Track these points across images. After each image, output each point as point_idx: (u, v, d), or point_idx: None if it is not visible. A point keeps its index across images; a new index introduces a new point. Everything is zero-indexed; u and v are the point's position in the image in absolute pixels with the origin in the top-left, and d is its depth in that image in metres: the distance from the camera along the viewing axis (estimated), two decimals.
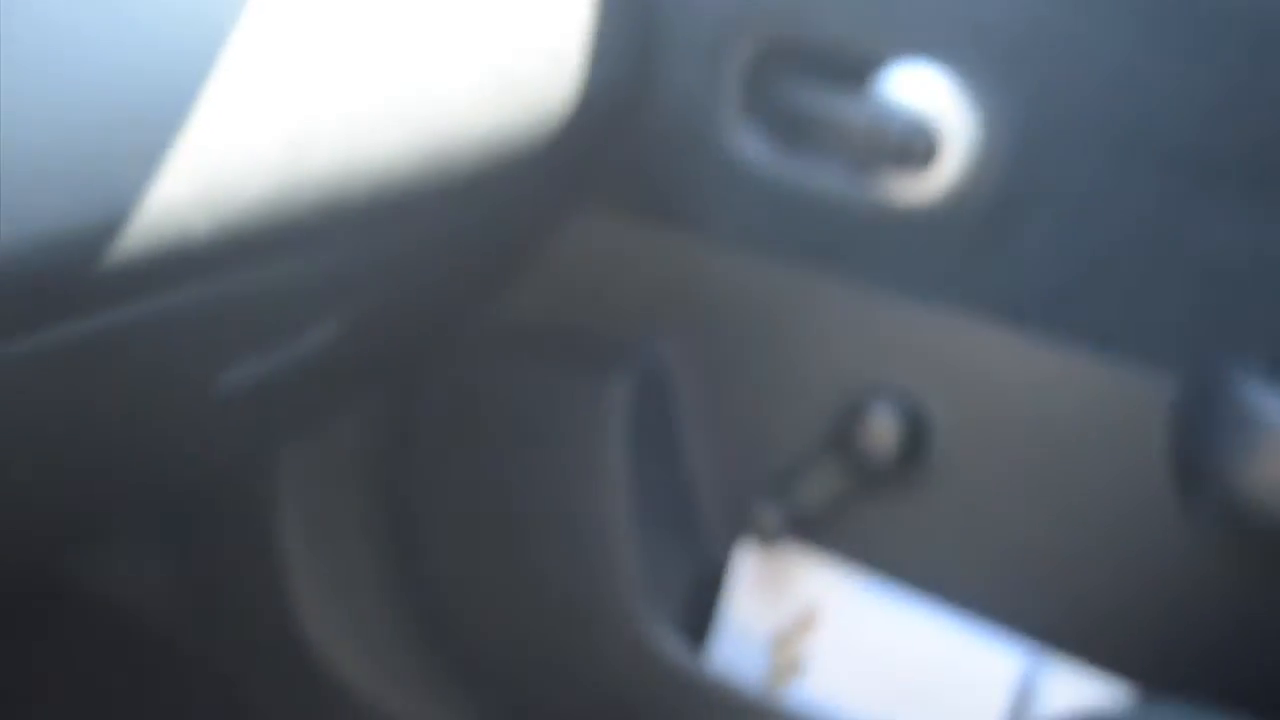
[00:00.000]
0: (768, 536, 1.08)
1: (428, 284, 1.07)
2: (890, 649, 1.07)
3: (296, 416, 1.19)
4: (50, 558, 1.31)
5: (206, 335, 0.85)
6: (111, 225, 0.68)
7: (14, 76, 0.64)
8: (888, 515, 1.07)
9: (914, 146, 0.96)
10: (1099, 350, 0.97)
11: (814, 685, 1.10)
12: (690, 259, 1.08)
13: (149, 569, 1.38)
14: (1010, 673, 1.04)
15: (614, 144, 1.03)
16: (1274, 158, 0.90)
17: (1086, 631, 1.02)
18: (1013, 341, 0.99)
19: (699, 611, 1.14)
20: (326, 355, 0.98)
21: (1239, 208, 0.91)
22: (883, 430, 1.03)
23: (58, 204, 0.66)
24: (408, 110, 0.84)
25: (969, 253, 0.99)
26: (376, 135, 0.82)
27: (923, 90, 0.97)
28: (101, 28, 0.68)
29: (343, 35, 0.80)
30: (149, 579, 1.38)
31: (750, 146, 1.03)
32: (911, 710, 1.07)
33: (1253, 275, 0.92)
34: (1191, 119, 0.91)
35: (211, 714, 1.35)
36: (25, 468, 0.82)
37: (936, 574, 1.07)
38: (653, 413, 1.11)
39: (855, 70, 0.99)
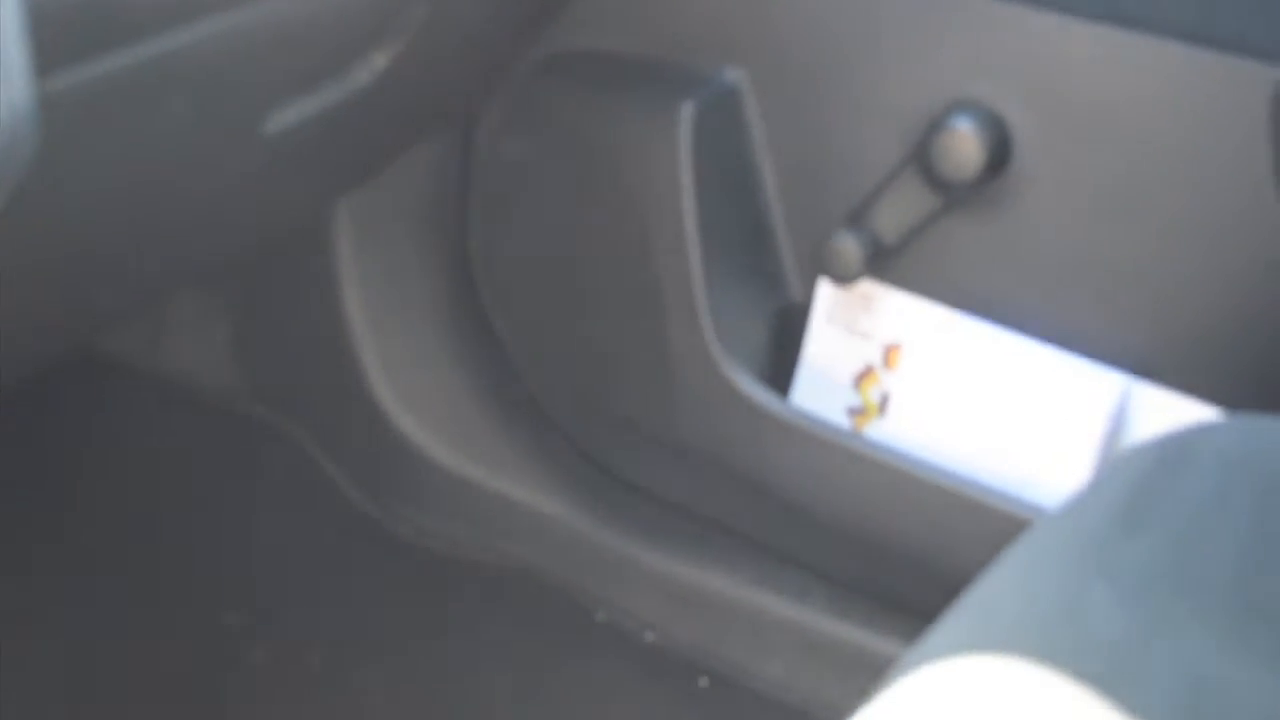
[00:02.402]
0: (847, 272, 1.08)
1: (477, 8, 1.06)
2: (979, 383, 1.08)
3: (352, 161, 1.19)
4: (113, 323, 1.33)
5: (250, 68, 0.85)
6: None
7: None
8: (971, 241, 1.07)
9: None
10: (1194, 43, 0.96)
11: (901, 423, 1.11)
12: None
13: (211, 339, 1.40)
14: (1105, 399, 1.04)
15: None
16: None
17: (1181, 357, 1.03)
18: (1097, 38, 0.98)
19: (781, 351, 1.15)
20: (378, 91, 0.98)
21: None
22: (964, 144, 1.02)
23: None
24: None
25: None
26: None
27: None
28: None
29: None
30: (212, 350, 1.41)
31: None
32: (1004, 444, 1.07)
33: None
34: None
35: (285, 481, 1.38)
36: (78, 218, 0.83)
37: (1021, 301, 1.07)
38: (726, 144, 1.11)
39: None
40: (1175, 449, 0.79)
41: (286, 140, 0.94)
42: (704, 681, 1.23)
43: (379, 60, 0.97)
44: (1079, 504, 0.77)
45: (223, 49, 0.79)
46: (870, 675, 0.68)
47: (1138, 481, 0.77)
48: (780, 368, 1.15)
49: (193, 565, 1.34)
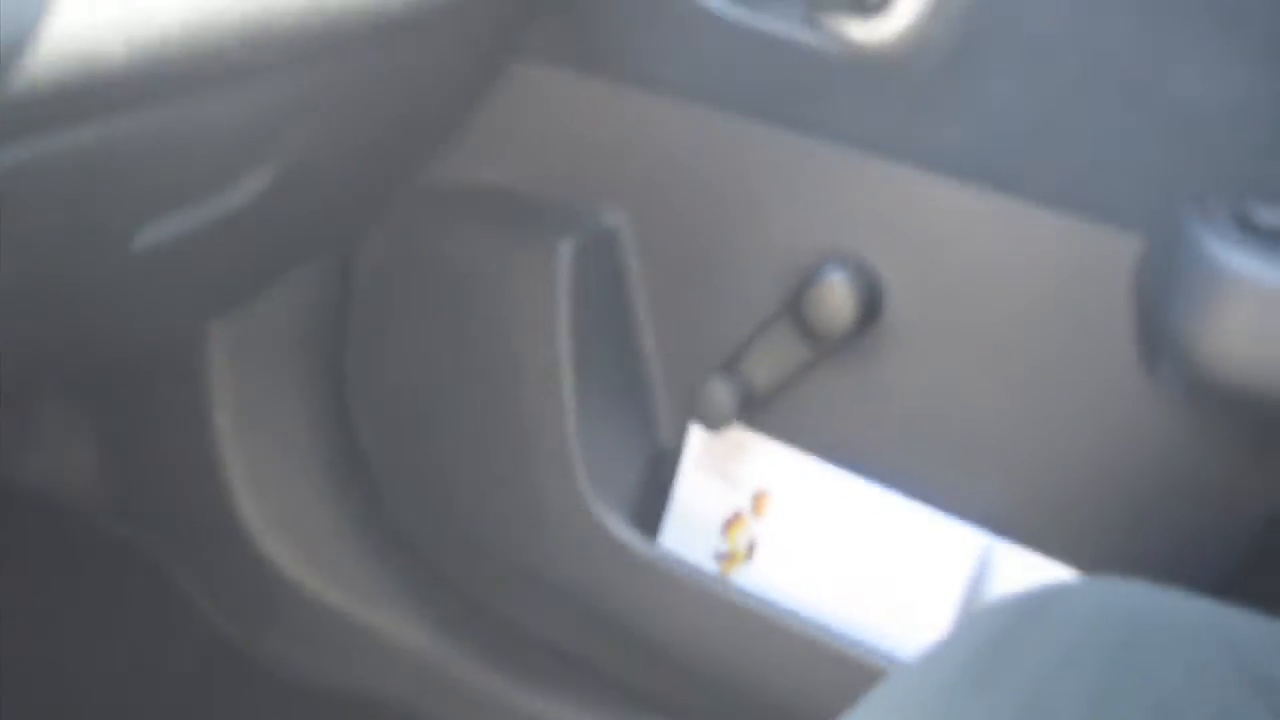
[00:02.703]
0: (718, 418, 1.08)
1: (360, 134, 1.06)
2: (844, 533, 1.08)
3: (225, 281, 1.18)
4: None
5: (125, 179, 0.84)
6: (17, 48, 0.67)
7: None
8: (841, 392, 1.07)
9: None
10: (1061, 210, 0.97)
11: (767, 569, 1.11)
12: (635, 116, 1.08)
13: (76, 455, 1.38)
14: (965, 556, 1.05)
15: None
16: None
17: (1039, 514, 1.03)
18: (970, 201, 0.99)
19: (651, 495, 1.15)
20: (255, 212, 0.97)
21: (1209, 51, 0.91)
22: (835, 297, 1.02)
23: None
24: None
25: (925, 104, 0.99)
26: None
27: None
28: None
29: None
30: (76, 466, 1.38)
31: None
32: (866, 594, 1.07)
33: (1221, 122, 0.92)
34: None
35: (146, 602, 1.36)
36: None
37: (889, 454, 1.07)
38: (603, 284, 1.12)
39: None
40: (1030, 608, 0.79)
41: (157, 257, 0.93)
42: None
43: (257, 181, 0.96)
44: (932, 658, 0.77)
45: (97, 159, 0.78)
46: None
47: (990, 639, 0.76)
48: (650, 510, 1.15)
49: (38, 688, 1.31)
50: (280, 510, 1.30)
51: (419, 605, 1.28)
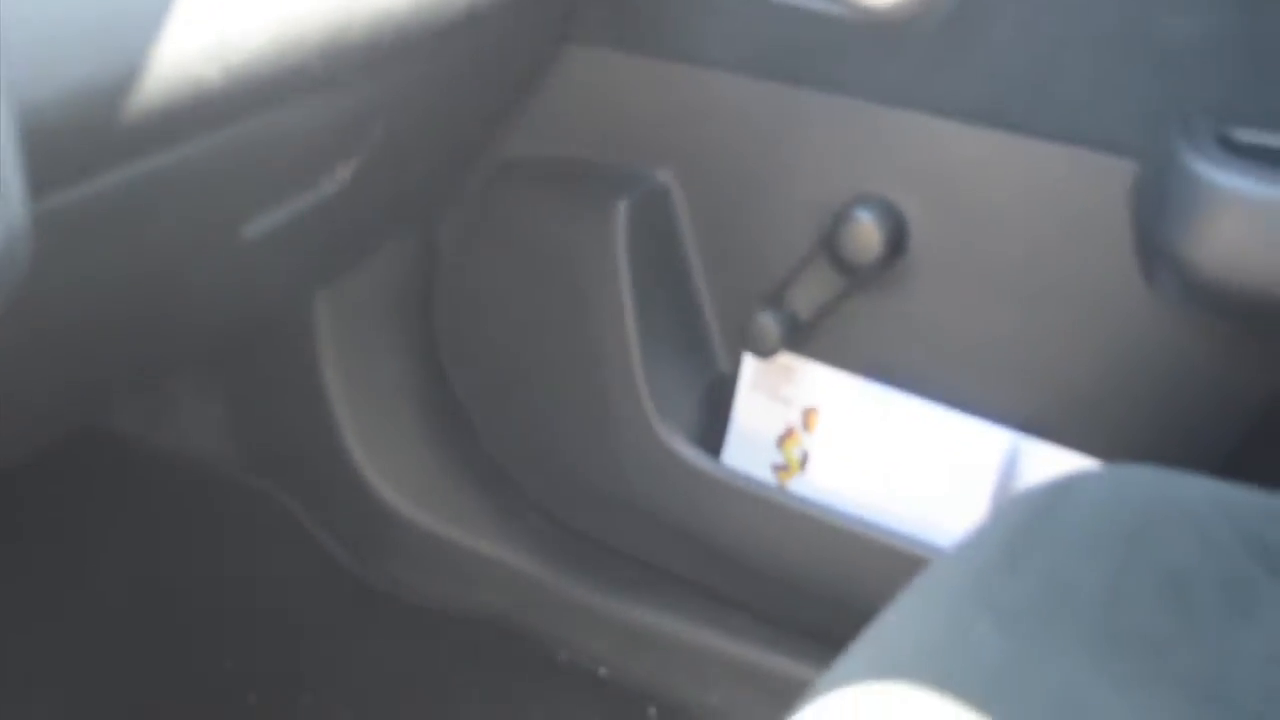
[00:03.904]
0: (768, 346, 1.09)
1: (435, 122, 1.06)
2: (886, 440, 1.08)
3: (326, 257, 1.19)
4: (103, 408, 1.32)
5: (231, 182, 0.85)
6: (129, 80, 0.68)
7: None
8: (875, 317, 1.07)
9: None
10: (1061, 142, 0.96)
11: (819, 477, 1.11)
12: (679, 87, 1.07)
13: (209, 419, 1.39)
14: (995, 453, 1.05)
15: None
16: None
17: (1058, 413, 1.03)
18: (980, 140, 0.99)
19: (712, 416, 1.15)
20: (347, 198, 0.97)
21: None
22: (865, 233, 1.03)
23: (77, 62, 0.65)
24: None
25: (938, 55, 0.98)
26: None
27: None
28: None
29: None
30: (210, 428, 1.39)
31: None
32: (908, 492, 1.08)
33: (1201, 57, 0.91)
34: None
35: (277, 543, 1.37)
36: (74, 319, 0.82)
37: (921, 369, 1.07)
38: (658, 236, 1.12)
39: None
40: (1054, 496, 0.80)
41: (264, 243, 0.93)
42: (652, 712, 1.23)
43: (343, 173, 0.96)
44: (970, 546, 0.77)
45: (203, 167, 0.78)
46: (796, 700, 0.68)
47: (1021, 525, 0.77)
48: (712, 431, 1.15)
49: (193, 617, 1.33)
50: (386, 453, 1.31)
51: (513, 530, 1.29)
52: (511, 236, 1.16)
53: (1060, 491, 0.79)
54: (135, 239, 0.80)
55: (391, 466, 1.32)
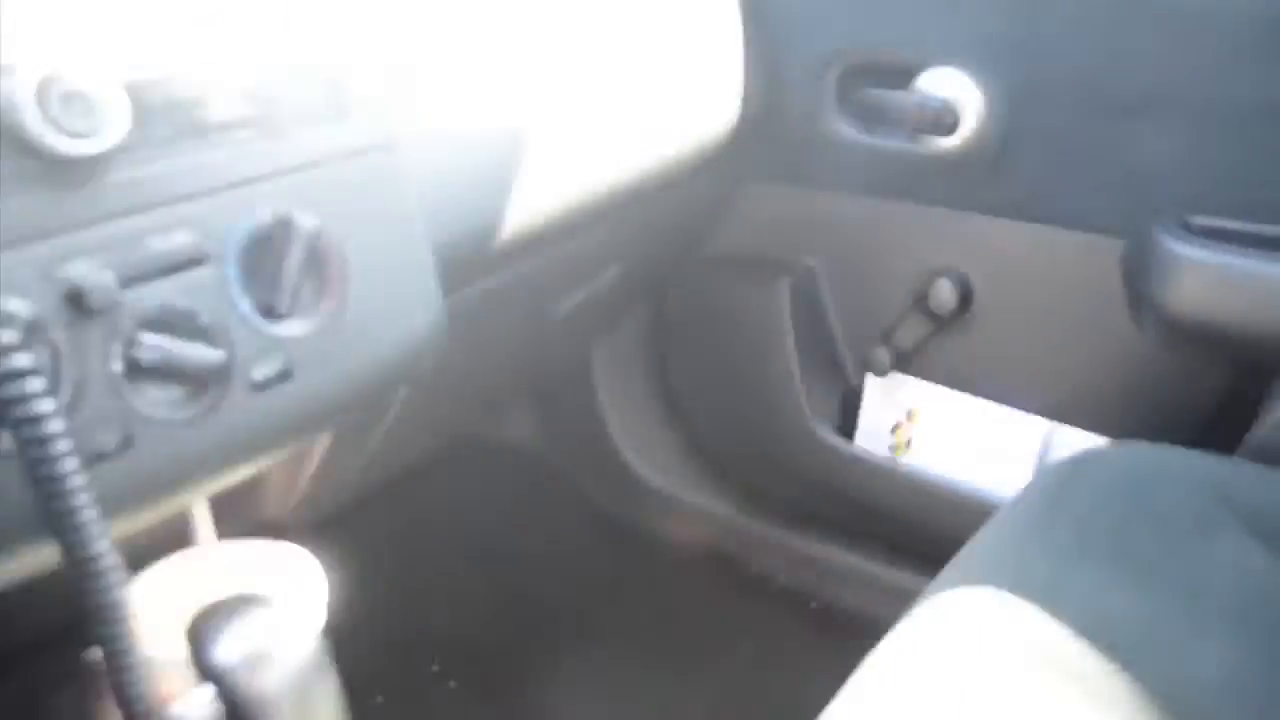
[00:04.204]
0: (882, 369, 1.08)
1: (666, 237, 1.07)
2: (964, 428, 1.07)
3: (601, 324, 1.20)
4: (471, 422, 1.33)
5: (548, 281, 0.87)
6: (492, 227, 0.71)
7: (444, 152, 0.65)
8: (952, 349, 1.06)
9: (944, 119, 0.95)
10: (1074, 228, 0.95)
11: (921, 454, 1.11)
12: (819, 205, 1.07)
13: (526, 421, 1.41)
14: (1037, 436, 1.03)
15: (762, 138, 1.01)
16: (1177, 93, 0.87)
17: (1079, 408, 1.01)
18: (1018, 229, 0.97)
19: (848, 416, 1.15)
20: (612, 288, 0.99)
21: (1153, 132, 0.88)
22: (945, 294, 1.02)
23: (465, 219, 0.68)
24: (646, 134, 0.84)
25: (985, 177, 0.97)
26: (630, 151, 0.82)
27: (947, 84, 0.95)
28: (478, 124, 0.69)
29: (606, 95, 0.79)
30: (526, 427, 1.41)
31: (846, 129, 1.01)
32: (979, 461, 1.06)
33: (1172, 166, 0.89)
34: (1120, 83, 0.88)
35: (562, 501, 1.37)
36: (462, 368, 0.84)
37: (984, 381, 1.05)
38: (808, 301, 1.11)
39: (905, 75, 0.97)
40: (1078, 465, 0.78)
41: (568, 314, 0.95)
42: (813, 605, 1.21)
43: (611, 273, 0.98)
44: (1021, 500, 0.75)
45: (535, 274, 0.80)
46: (911, 602, 0.67)
47: (1056, 485, 0.75)
48: (848, 425, 1.15)
49: (504, 558, 1.30)
50: (636, 440, 1.32)
51: (720, 489, 1.28)
52: (715, 305, 1.15)
53: (1082, 462, 0.77)
54: (496, 319, 0.82)
55: (639, 448, 1.32)
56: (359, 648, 0.60)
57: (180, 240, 0.46)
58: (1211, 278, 0.83)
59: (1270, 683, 0.59)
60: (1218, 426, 0.90)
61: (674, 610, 1.21)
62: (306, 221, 0.50)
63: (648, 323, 1.24)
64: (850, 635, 0.69)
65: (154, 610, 0.52)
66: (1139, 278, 0.89)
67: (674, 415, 1.27)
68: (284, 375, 0.50)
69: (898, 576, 1.15)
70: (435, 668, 1.12)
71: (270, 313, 0.50)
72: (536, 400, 1.39)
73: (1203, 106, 0.86)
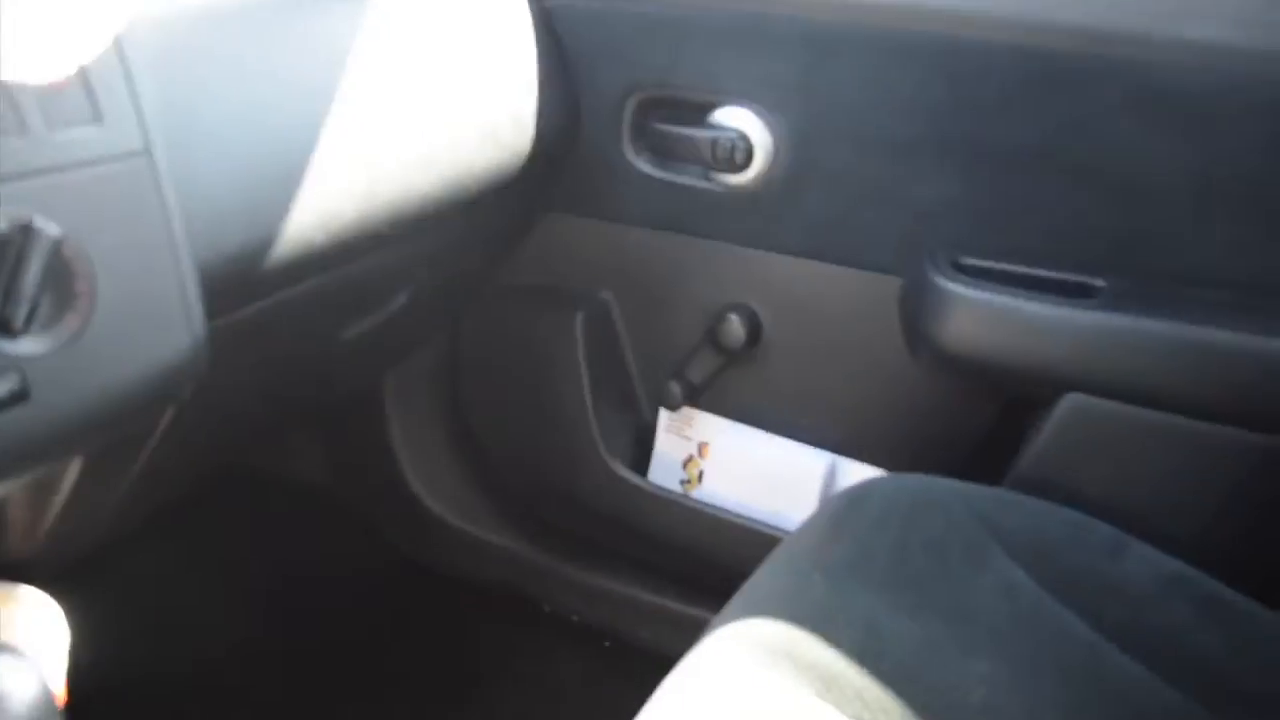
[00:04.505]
0: (675, 403, 1.08)
1: (456, 265, 1.05)
2: (751, 460, 1.08)
3: (391, 352, 1.17)
4: (245, 453, 1.28)
5: (330, 306, 0.84)
6: (265, 245, 0.68)
7: (210, 163, 0.63)
8: (741, 383, 1.07)
9: (736, 156, 0.95)
10: (855, 267, 0.96)
11: (711, 487, 1.11)
12: (614, 238, 1.06)
13: (312, 454, 1.36)
14: (821, 467, 1.05)
15: (559, 169, 1.01)
16: (948, 139, 0.90)
17: (861, 442, 1.03)
18: (806, 266, 0.99)
19: (641, 450, 1.15)
20: (403, 314, 0.96)
21: (931, 171, 0.91)
22: (735, 329, 1.03)
23: (233, 234, 0.65)
24: (436, 159, 0.82)
25: (774, 214, 0.98)
26: (418, 175, 0.80)
27: (739, 123, 0.96)
28: (252, 134, 0.67)
29: (395, 116, 0.78)
30: (312, 459, 1.36)
31: (641, 163, 1.01)
32: (767, 493, 1.07)
33: (942, 211, 0.91)
34: (897, 127, 0.91)
35: (350, 534, 1.33)
36: (233, 397, 0.81)
37: (773, 415, 1.06)
38: (602, 334, 1.11)
39: (700, 111, 0.97)
40: (859, 494, 0.79)
41: (354, 343, 0.92)
42: (607, 643, 1.21)
43: (401, 298, 0.95)
44: (806, 528, 0.77)
45: (315, 297, 0.77)
46: (701, 632, 0.67)
47: (836, 516, 0.77)
48: (640, 459, 1.14)
49: (293, 587, 1.27)
50: (428, 473, 1.28)
51: (511, 523, 1.26)
52: (507, 335, 1.14)
53: (860, 493, 0.79)
54: (272, 345, 0.79)
55: (430, 481, 1.29)
56: (114, 703, 0.55)
57: None
58: (979, 314, 0.86)
59: (1033, 700, 0.61)
60: (986, 458, 0.93)
61: (465, 649, 1.20)
62: (48, 229, 0.47)
63: (443, 352, 1.22)
64: (644, 670, 0.69)
65: None
66: (914, 314, 0.91)
67: (468, 448, 1.25)
68: (18, 396, 0.46)
69: (692, 611, 1.14)
70: None
71: (5, 328, 0.46)
72: (324, 432, 1.35)
73: (972, 151, 0.88)
